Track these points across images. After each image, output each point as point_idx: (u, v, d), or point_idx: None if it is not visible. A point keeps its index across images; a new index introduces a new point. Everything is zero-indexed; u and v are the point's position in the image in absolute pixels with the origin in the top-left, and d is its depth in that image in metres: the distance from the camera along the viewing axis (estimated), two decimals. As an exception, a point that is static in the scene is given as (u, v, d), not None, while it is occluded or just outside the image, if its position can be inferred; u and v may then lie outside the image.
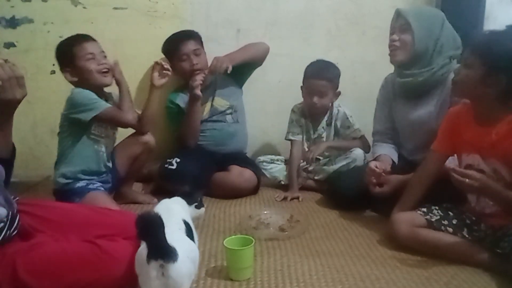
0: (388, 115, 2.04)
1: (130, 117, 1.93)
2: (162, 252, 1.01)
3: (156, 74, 1.98)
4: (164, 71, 1.98)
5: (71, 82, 1.91)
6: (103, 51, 1.92)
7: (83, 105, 1.84)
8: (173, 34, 2.35)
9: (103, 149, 1.98)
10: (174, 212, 1.26)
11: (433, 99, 1.85)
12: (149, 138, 2.07)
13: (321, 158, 2.34)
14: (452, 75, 1.75)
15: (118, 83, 1.94)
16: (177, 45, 2.30)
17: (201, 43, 2.36)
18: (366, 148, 2.30)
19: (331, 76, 2.25)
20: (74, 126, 1.90)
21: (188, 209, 1.38)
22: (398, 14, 1.85)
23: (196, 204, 1.42)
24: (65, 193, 1.88)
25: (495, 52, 1.35)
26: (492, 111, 1.42)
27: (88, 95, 1.85)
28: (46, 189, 2.11)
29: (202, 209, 1.45)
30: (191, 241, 1.18)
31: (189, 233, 1.22)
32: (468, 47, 1.45)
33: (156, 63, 2.00)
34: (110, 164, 2.03)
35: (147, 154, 2.10)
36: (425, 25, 1.79)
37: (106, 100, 1.94)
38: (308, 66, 2.29)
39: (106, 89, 1.99)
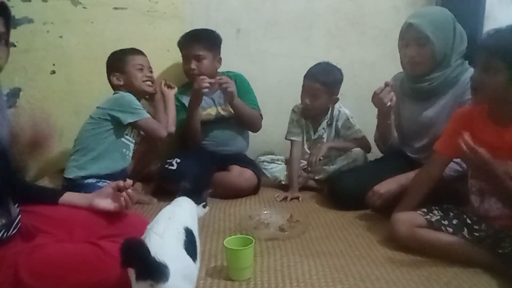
0: (395, 115, 2.01)
1: (165, 133, 2.10)
2: (151, 271, 0.97)
3: (165, 88, 2.23)
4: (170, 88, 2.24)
5: (115, 86, 2.08)
6: (150, 67, 2.15)
7: (127, 107, 1.99)
8: (188, 32, 2.32)
9: (130, 153, 2.09)
10: (176, 219, 1.17)
11: (443, 99, 1.83)
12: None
13: (321, 158, 2.33)
14: (464, 77, 1.73)
15: (152, 96, 2.17)
16: (182, 45, 2.30)
17: (210, 48, 2.28)
18: (367, 149, 2.30)
19: (327, 80, 2.21)
20: (109, 124, 1.99)
21: (195, 212, 1.30)
22: (410, 26, 1.77)
23: (204, 203, 1.35)
24: (73, 189, 1.87)
25: None
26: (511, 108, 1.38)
27: (135, 100, 2.02)
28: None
29: (207, 208, 1.39)
30: (186, 256, 1.09)
31: (190, 243, 1.13)
32: (484, 50, 1.38)
33: (164, 81, 2.25)
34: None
35: (153, 153, 2.23)
36: (441, 35, 1.75)
37: None
38: (311, 66, 2.27)
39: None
